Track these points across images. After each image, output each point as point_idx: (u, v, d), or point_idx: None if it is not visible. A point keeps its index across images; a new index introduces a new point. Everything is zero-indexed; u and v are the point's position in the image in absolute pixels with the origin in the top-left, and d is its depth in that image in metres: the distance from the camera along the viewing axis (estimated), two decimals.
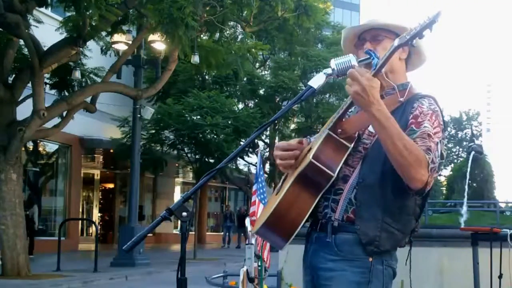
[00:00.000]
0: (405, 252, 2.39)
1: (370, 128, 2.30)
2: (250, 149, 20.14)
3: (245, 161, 23.98)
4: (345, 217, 2.23)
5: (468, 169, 7.89)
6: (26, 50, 12.11)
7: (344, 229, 2.23)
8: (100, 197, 23.62)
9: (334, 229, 2.24)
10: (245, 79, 21.38)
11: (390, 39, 2.36)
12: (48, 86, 13.51)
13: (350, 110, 2.32)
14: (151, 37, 14.41)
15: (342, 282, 2.20)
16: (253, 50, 15.11)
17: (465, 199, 7.23)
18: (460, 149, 43.56)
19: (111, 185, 24.55)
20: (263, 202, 4.98)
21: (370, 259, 2.21)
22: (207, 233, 29.11)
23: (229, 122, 18.18)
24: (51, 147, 20.09)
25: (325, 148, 2.22)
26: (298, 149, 2.35)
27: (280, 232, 2.23)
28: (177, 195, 26.75)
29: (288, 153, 2.35)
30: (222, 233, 26.85)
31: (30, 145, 18.56)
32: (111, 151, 21.24)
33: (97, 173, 23.15)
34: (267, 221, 2.22)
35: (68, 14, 12.75)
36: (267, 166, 24.27)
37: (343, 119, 2.28)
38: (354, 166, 2.26)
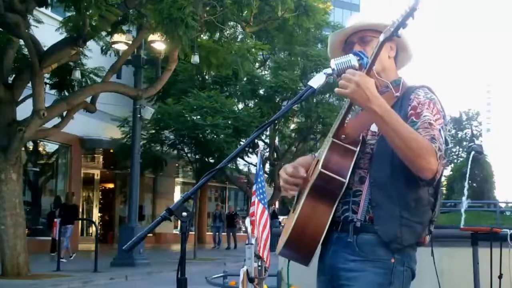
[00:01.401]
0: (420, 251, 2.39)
1: (372, 128, 2.30)
2: (250, 149, 20.13)
3: (245, 161, 23.97)
4: (368, 218, 2.23)
5: (468, 169, 7.89)
6: (26, 50, 12.11)
7: (366, 230, 2.22)
8: (100, 197, 23.62)
9: (356, 229, 2.23)
10: (245, 79, 21.37)
11: (377, 38, 2.37)
12: (48, 86, 13.51)
13: (349, 115, 2.32)
14: (151, 37, 14.40)
15: (364, 282, 2.19)
16: (253, 50, 15.11)
17: (465, 199, 7.24)
18: (460, 149, 43.54)
19: (111, 185, 24.54)
20: (262, 202, 4.98)
21: (392, 260, 2.20)
22: (207, 233, 29.08)
23: (229, 122, 18.17)
24: (51, 147, 20.09)
25: (332, 156, 2.22)
26: (302, 179, 2.35)
27: (303, 249, 2.24)
28: (177, 195, 26.72)
29: (293, 179, 2.36)
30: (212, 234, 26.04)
31: (30, 145, 18.55)
32: (111, 151, 21.23)
33: (97, 173, 23.14)
34: (288, 241, 2.23)
35: (68, 14, 12.76)
36: (267, 166, 24.26)
37: (345, 124, 2.28)
38: (367, 168, 2.26)
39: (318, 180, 2.18)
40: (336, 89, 2.16)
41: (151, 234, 17.81)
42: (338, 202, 2.23)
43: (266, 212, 4.60)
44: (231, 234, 25.29)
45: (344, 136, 2.25)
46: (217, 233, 25.41)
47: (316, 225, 2.20)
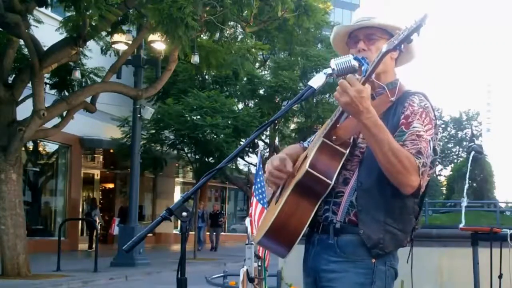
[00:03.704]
0: (406, 251, 2.40)
1: None
2: (250, 149, 20.13)
3: (245, 161, 23.97)
4: (347, 219, 2.24)
5: (468, 169, 7.89)
6: (26, 50, 12.11)
7: (347, 231, 2.23)
8: (100, 197, 23.61)
9: (336, 231, 2.24)
10: (245, 79, 21.37)
11: (384, 39, 2.34)
12: (48, 86, 13.51)
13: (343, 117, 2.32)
14: (151, 37, 14.40)
15: (345, 283, 2.21)
16: (253, 50, 15.11)
17: (465, 199, 7.23)
18: (460, 149, 43.50)
19: (111, 185, 24.54)
20: (261, 202, 4.99)
21: (373, 260, 2.21)
22: (207, 233, 29.04)
23: (229, 122, 18.17)
24: (51, 147, 20.09)
25: (320, 156, 2.22)
26: (289, 174, 2.35)
27: (282, 242, 2.24)
28: (177, 195, 26.70)
29: (280, 174, 2.37)
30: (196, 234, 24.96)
31: (30, 145, 18.55)
32: (111, 151, 21.24)
33: (97, 173, 23.14)
34: (268, 232, 2.23)
35: (68, 14, 12.76)
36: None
37: (337, 126, 2.28)
38: (353, 170, 2.27)
39: (304, 178, 2.19)
40: (334, 94, 2.17)
41: (151, 234, 17.81)
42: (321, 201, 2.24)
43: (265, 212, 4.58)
44: (214, 234, 24.19)
45: (335, 137, 2.26)
46: (199, 234, 23.88)
47: (297, 221, 2.20)
